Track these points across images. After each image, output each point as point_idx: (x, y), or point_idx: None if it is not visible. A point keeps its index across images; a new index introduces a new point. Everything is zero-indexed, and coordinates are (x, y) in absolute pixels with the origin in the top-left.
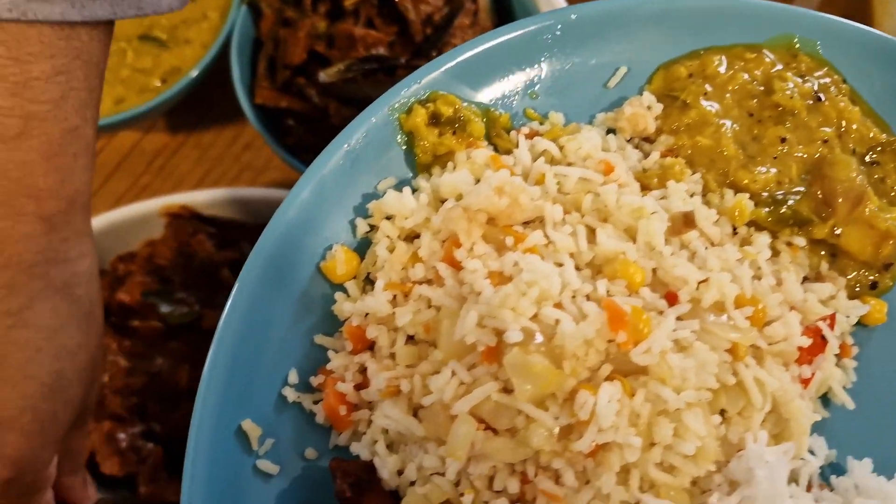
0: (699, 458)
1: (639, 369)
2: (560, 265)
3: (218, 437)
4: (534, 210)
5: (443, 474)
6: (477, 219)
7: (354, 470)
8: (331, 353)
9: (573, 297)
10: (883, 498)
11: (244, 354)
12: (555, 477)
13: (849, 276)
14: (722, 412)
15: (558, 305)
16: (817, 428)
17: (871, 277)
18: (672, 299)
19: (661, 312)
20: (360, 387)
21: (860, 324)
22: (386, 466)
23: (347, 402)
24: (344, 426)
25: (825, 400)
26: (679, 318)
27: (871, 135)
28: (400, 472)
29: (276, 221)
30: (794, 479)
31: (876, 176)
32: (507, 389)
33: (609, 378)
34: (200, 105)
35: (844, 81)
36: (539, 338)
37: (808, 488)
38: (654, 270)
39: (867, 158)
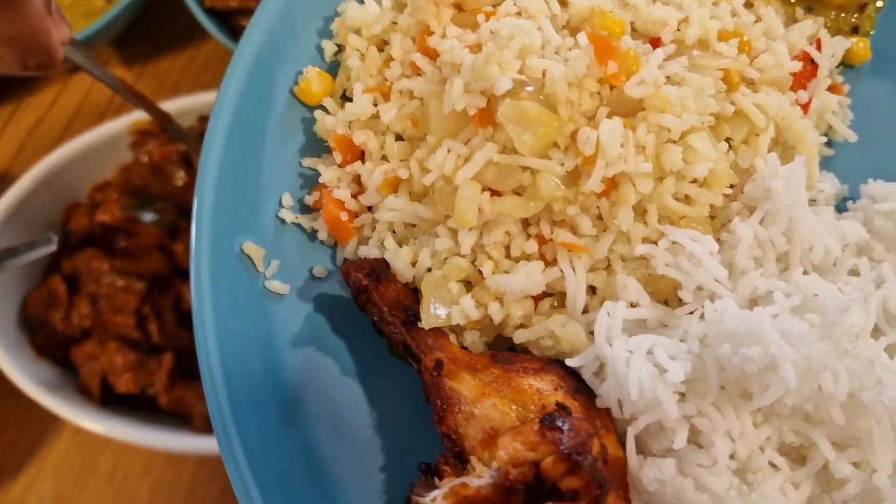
0: (712, 183)
1: (636, 106)
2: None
3: (220, 259)
4: None
5: (458, 255)
6: (444, 2)
7: (368, 264)
8: (321, 169)
9: (556, 52)
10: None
11: (231, 181)
12: (572, 228)
13: (829, 24)
14: (728, 142)
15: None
16: (825, 165)
17: (851, 20)
18: (656, 43)
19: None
20: (356, 196)
21: (848, 66)
22: (399, 259)
23: (347, 210)
24: (347, 235)
25: (828, 141)
26: (666, 59)
27: None
28: (414, 264)
29: (241, 54)
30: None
31: None
32: (508, 149)
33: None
34: (151, 34)
35: None
36: (530, 87)
37: None
38: (632, 24)
39: None
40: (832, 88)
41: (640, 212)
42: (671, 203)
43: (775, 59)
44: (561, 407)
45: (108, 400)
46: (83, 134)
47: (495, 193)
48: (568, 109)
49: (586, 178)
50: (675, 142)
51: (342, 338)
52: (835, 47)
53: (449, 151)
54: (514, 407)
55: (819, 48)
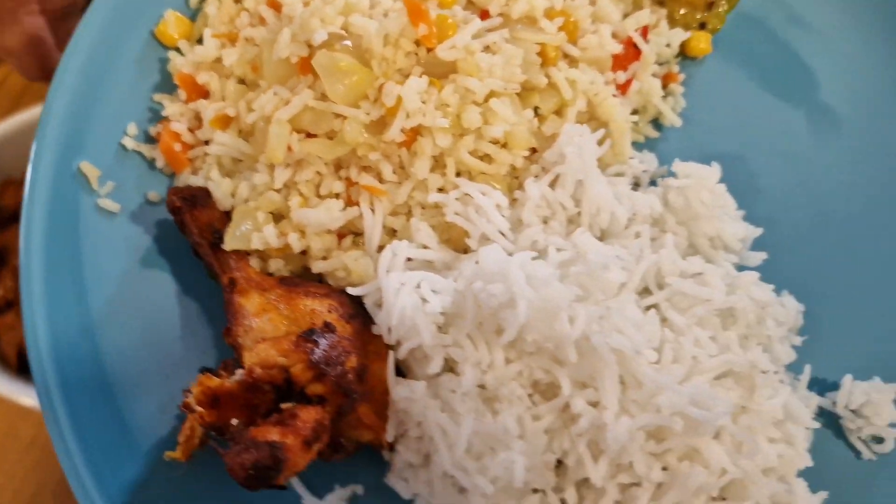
0: (511, 145)
1: (449, 69)
2: None
3: (57, 175)
4: None
5: (273, 189)
6: None
7: (189, 190)
8: (166, 103)
9: (385, 14)
10: (694, 176)
11: (81, 105)
12: (376, 175)
13: (677, 18)
14: (536, 110)
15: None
16: (650, 145)
17: (699, 17)
18: (484, 15)
19: None
20: (193, 131)
21: (688, 57)
22: (220, 188)
23: (183, 142)
24: (181, 165)
25: (658, 125)
26: (491, 30)
27: None
28: (234, 196)
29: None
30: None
31: None
32: (325, 98)
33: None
34: None
35: None
36: (348, 42)
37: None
38: None
39: None
40: (668, 76)
41: (441, 165)
42: (467, 158)
43: (598, 41)
44: (326, 325)
45: (27, 370)
46: (20, 112)
47: (312, 136)
48: (382, 65)
49: (388, 129)
50: (478, 104)
51: (166, 258)
52: (671, 38)
53: (274, 95)
54: (286, 323)
55: (645, 35)
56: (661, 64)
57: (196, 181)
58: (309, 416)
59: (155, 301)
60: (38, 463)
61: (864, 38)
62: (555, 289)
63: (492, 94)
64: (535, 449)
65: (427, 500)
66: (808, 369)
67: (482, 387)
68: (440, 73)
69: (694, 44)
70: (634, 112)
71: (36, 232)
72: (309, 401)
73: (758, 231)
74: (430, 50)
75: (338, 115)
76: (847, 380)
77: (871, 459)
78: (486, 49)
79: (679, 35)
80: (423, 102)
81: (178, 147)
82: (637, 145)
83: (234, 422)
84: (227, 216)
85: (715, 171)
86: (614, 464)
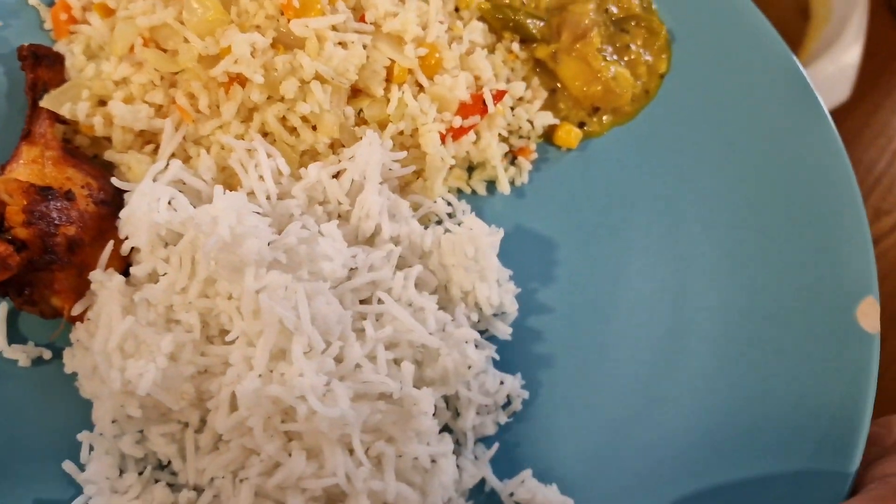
0: (320, 130)
1: (296, 44)
2: None
3: None
4: None
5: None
6: None
7: (45, 50)
8: None
9: None
10: (474, 230)
11: None
12: (194, 104)
13: (562, 107)
14: (359, 113)
15: None
16: (474, 201)
17: (580, 115)
18: (361, 19)
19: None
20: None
21: (555, 144)
22: (73, 60)
23: (71, 15)
24: (62, 34)
25: (492, 188)
26: (358, 32)
27: (632, 6)
28: (81, 73)
29: None
30: (424, 221)
31: (621, 41)
32: (182, 22)
33: (273, 43)
34: None
35: None
36: None
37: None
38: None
39: (623, 27)
40: (522, 150)
41: (248, 116)
42: (272, 121)
43: (451, 82)
44: (67, 192)
45: None
46: None
47: (159, 47)
48: (242, 16)
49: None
50: (303, 81)
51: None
52: (537, 118)
53: (144, 2)
54: (39, 178)
55: (498, 98)
56: (521, 137)
57: (61, 47)
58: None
59: None
60: None
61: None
62: (252, 244)
63: (318, 77)
64: (177, 374)
65: (81, 383)
66: (495, 446)
67: (170, 307)
68: (287, 43)
69: (560, 133)
70: (471, 167)
71: None
72: (11, 241)
73: (512, 306)
74: (289, 21)
75: (185, 40)
76: (526, 473)
77: None
78: (340, 44)
79: (545, 118)
80: (253, 56)
81: (64, 17)
82: (463, 195)
83: None
84: (66, 83)
85: (496, 234)
86: (242, 422)
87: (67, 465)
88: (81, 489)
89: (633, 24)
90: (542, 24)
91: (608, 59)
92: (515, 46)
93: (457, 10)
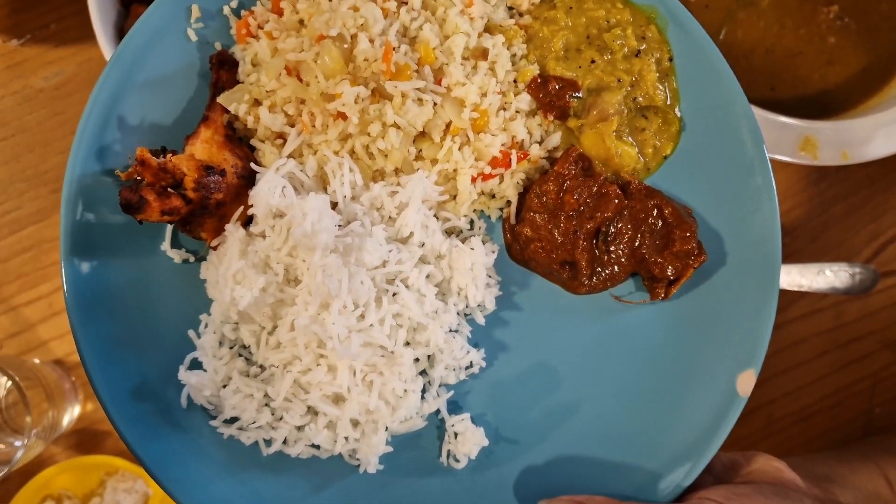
0: (389, 159)
1: (387, 97)
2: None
3: None
4: None
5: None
6: None
7: (227, 57)
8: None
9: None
10: (475, 250)
11: None
12: (313, 119)
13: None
14: (419, 152)
15: (371, 40)
16: (491, 225)
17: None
18: (438, 81)
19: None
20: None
21: None
22: (244, 67)
23: (248, 29)
24: (241, 41)
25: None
26: (433, 93)
27: (656, 99)
28: (247, 77)
29: None
30: (451, 231)
31: (639, 125)
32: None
33: (373, 93)
34: None
35: (671, 60)
36: (346, 45)
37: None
38: (442, 68)
39: (644, 114)
40: None
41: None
42: (359, 148)
43: (490, 140)
44: (221, 171)
45: None
46: None
47: (298, 75)
48: (356, 67)
49: (331, 102)
50: (384, 125)
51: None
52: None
53: (298, 42)
54: (206, 156)
55: (520, 160)
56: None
57: (239, 57)
58: (175, 201)
59: None
60: None
61: None
62: (323, 237)
63: (394, 125)
64: (263, 301)
65: (208, 287)
66: (452, 392)
67: (268, 257)
68: (382, 94)
69: None
70: (493, 196)
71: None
72: (182, 196)
73: (492, 303)
74: (384, 73)
75: (315, 77)
76: (466, 415)
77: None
78: (418, 100)
79: None
80: (355, 102)
81: (243, 31)
82: (483, 214)
83: (140, 179)
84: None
85: (490, 256)
86: (294, 338)
87: (190, 333)
88: (195, 349)
89: (652, 112)
90: (577, 100)
91: (623, 138)
92: (551, 117)
93: (515, 81)
